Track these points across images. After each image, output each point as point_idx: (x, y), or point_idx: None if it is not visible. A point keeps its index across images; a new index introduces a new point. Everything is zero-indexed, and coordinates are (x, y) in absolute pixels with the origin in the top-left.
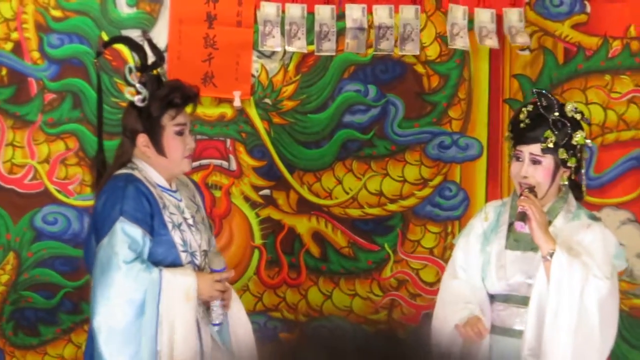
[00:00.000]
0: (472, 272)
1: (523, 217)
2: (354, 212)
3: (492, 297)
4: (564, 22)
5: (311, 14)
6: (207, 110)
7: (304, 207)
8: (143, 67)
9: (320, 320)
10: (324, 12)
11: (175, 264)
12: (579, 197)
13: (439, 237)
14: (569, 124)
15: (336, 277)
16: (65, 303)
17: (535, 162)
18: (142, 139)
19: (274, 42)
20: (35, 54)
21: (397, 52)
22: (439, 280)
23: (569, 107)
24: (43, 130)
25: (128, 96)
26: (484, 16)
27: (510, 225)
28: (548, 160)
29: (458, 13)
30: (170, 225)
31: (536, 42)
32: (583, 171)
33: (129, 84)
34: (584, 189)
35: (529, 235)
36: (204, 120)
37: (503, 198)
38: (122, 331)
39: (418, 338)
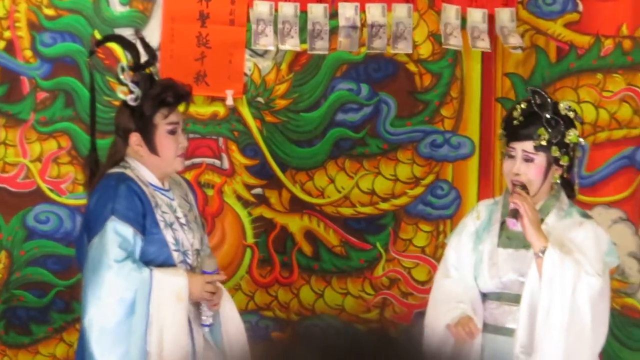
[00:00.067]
0: (464, 270)
1: (515, 213)
2: (346, 211)
3: (485, 296)
4: (557, 21)
5: (304, 12)
6: (200, 109)
7: (296, 205)
8: (136, 66)
9: (312, 319)
10: (316, 11)
11: (167, 263)
12: (570, 196)
13: (430, 236)
14: (562, 122)
15: (328, 276)
16: (57, 302)
17: (527, 159)
18: (135, 138)
19: (266, 41)
20: (28, 53)
21: (389, 50)
22: (430, 279)
23: (562, 106)
24: (35, 129)
25: (121, 95)
26: (476, 16)
27: (503, 223)
28: (541, 158)
29: (451, 13)
30: (162, 224)
31: (528, 40)
32: (575, 170)
33: (121, 83)
34: (576, 187)
35: (521, 233)
36: (197, 119)
37: (495, 197)
38: (113, 330)
39: (410, 337)
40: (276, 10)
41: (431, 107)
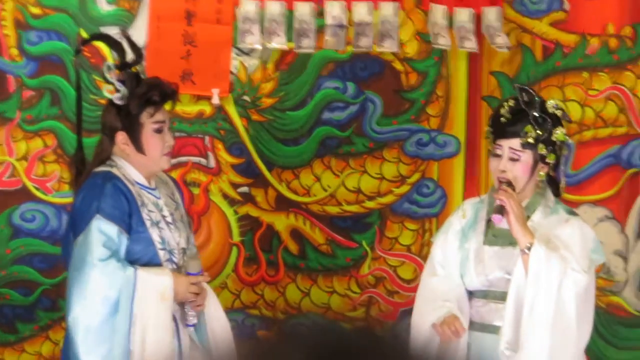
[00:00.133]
0: (450, 269)
1: (501, 210)
2: (332, 210)
3: (471, 294)
4: (542, 20)
5: (290, 11)
6: (186, 107)
7: (283, 204)
8: (122, 65)
9: (299, 317)
10: (303, 9)
11: (153, 261)
12: (556, 194)
13: (416, 234)
14: (549, 120)
15: (314, 274)
16: (43, 300)
17: (514, 157)
18: (121, 137)
19: (253, 39)
20: (14, 51)
21: (375, 49)
22: (416, 278)
23: (550, 104)
24: (21, 128)
25: (107, 94)
26: (463, 16)
27: (489, 221)
28: (527, 156)
29: (438, 13)
30: (148, 223)
31: (514, 39)
32: (562, 168)
33: (107, 81)
34: (562, 185)
35: (507, 231)
36: (183, 118)
37: (481, 195)
38: (96, 329)
39: (395, 335)
40: (262, 8)
41: (417, 106)
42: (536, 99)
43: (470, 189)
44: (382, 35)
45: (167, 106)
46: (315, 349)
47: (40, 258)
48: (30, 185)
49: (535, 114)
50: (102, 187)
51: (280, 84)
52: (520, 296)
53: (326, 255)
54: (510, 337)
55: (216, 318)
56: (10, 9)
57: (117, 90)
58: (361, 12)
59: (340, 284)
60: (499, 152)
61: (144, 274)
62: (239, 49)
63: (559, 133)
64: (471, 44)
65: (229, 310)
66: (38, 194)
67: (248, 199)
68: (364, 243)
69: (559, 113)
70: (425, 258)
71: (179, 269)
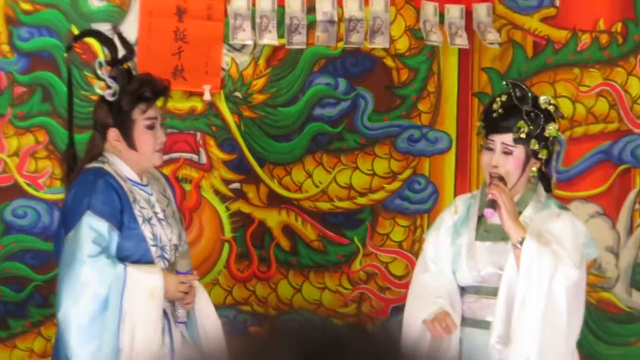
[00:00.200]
0: (442, 265)
1: (493, 204)
2: (324, 206)
3: (463, 290)
4: (533, 16)
5: (281, 7)
6: (178, 103)
7: (274, 200)
8: (113, 61)
9: (290, 313)
10: (294, 5)
11: (145, 258)
12: (547, 190)
13: (408, 231)
14: (542, 116)
15: (306, 271)
16: (35, 296)
17: (506, 152)
18: (113, 133)
19: (244, 36)
20: (5, 47)
21: (366, 45)
22: (408, 274)
23: (543, 99)
24: (13, 124)
25: (98, 90)
26: (454, 12)
27: (480, 217)
28: (519, 151)
29: (429, 10)
30: (140, 220)
31: (505, 35)
32: (553, 164)
33: (99, 78)
34: (553, 181)
35: (499, 226)
36: (174, 114)
37: (472, 191)
38: (86, 326)
39: (387, 331)
40: (254, 4)
41: (408, 102)
42: (529, 94)
43: (462, 185)
44: (373, 32)
45: (159, 102)
46: (307, 345)
47: (32, 254)
48: (21, 181)
49: (528, 109)
50: (93, 184)
51: (272, 80)
52: (512, 290)
53: (318, 251)
54: (501, 332)
55: (207, 315)
56: (1, 5)
57: (109, 87)
58: (352, 8)
59: (331, 280)
60: (491, 146)
61: (134, 271)
62: (230, 45)
63: (551, 129)
64: (462, 40)
65: (220, 307)
66: (30, 190)
67: (240, 195)
68: (355, 239)
69: (551, 109)
70: (416, 254)
71: (170, 266)
